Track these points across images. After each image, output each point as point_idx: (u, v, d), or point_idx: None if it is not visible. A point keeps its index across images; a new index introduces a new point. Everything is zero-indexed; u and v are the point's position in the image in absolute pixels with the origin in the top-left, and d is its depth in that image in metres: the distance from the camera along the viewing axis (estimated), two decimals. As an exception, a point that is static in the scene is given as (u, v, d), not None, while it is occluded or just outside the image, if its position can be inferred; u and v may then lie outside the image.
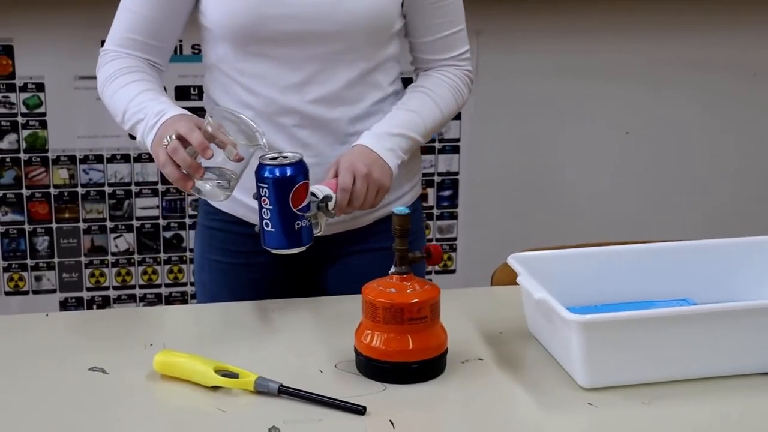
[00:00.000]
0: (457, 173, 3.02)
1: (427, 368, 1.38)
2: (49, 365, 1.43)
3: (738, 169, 3.14)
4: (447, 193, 3.02)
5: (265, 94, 1.65)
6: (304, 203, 1.51)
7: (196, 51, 2.74)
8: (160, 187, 2.85)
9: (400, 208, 1.39)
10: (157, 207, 2.86)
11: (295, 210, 1.50)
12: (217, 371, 1.35)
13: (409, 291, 1.38)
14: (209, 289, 1.80)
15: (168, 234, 2.89)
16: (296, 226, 1.51)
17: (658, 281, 1.55)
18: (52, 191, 2.81)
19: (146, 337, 1.50)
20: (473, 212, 3.04)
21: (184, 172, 1.48)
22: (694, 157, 3.11)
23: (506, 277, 1.79)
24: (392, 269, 1.39)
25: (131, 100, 1.61)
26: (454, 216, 3.05)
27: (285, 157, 1.50)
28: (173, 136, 1.48)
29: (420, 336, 1.37)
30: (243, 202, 1.71)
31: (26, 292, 2.86)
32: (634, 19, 2.97)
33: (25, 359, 1.45)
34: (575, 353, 1.33)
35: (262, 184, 1.50)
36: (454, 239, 3.07)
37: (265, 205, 1.50)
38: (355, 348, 1.41)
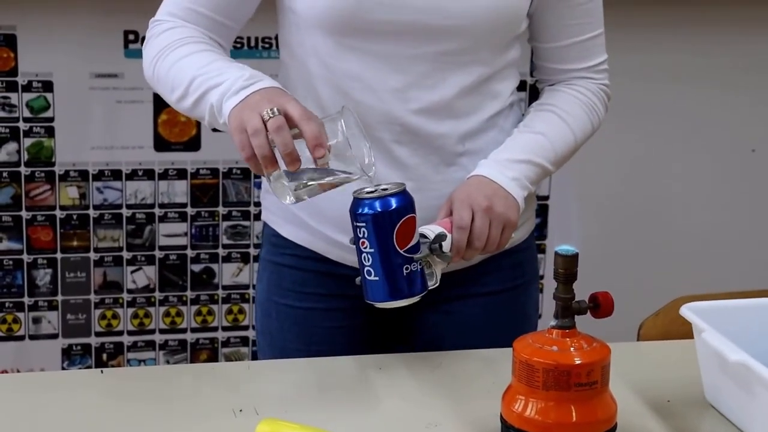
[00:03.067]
0: (546, 197, 3.00)
1: (593, 446, 1.36)
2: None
3: None
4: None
5: (359, 98, 1.62)
6: (413, 243, 1.49)
7: (238, 45, 2.74)
8: (189, 211, 2.83)
9: (565, 248, 1.36)
10: (185, 234, 2.84)
11: (401, 251, 1.48)
12: (338, 446, 1.32)
13: (573, 349, 1.35)
14: (277, 339, 1.78)
15: (197, 267, 2.87)
16: (405, 271, 1.49)
17: None
18: (58, 213, 2.79)
19: (231, 400, 1.48)
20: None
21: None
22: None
23: (656, 330, 1.79)
24: (553, 322, 1.37)
25: (204, 67, 1.55)
26: (541, 249, 3.03)
27: (384, 189, 1.48)
28: (277, 111, 1.44)
29: (587, 406, 1.35)
30: (325, 235, 1.69)
31: (21, 338, 2.84)
32: (758, 13, 2.96)
33: (94, 427, 1.42)
34: (787, 430, 1.30)
35: (359, 224, 1.48)
36: (541, 278, 3.04)
37: (365, 248, 1.48)
38: (501, 417, 1.39)
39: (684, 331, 1.60)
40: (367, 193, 1.48)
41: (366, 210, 1.47)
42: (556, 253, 1.36)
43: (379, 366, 1.61)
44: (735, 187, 3.07)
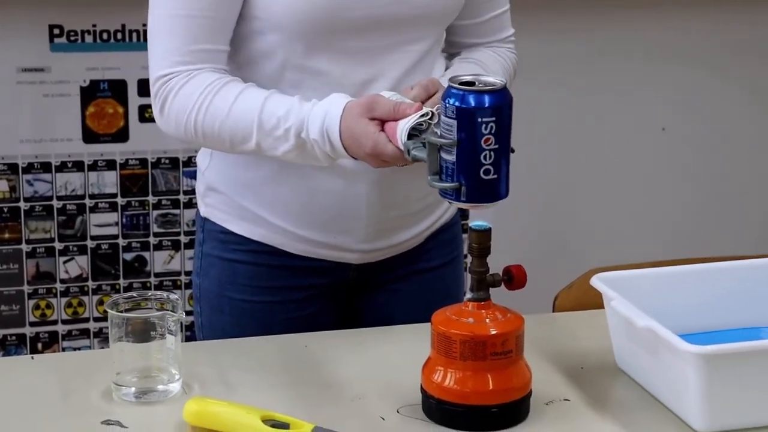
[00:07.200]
0: (468, 179, 3.02)
1: (509, 412, 1.38)
2: (55, 419, 1.41)
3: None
4: (456, 202, 3.02)
5: (320, 93, 1.58)
6: None
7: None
8: (120, 201, 2.82)
9: (478, 223, 1.39)
10: (116, 224, 2.83)
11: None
12: (264, 421, 1.33)
13: (488, 320, 1.38)
14: (230, 334, 1.75)
15: (129, 256, 2.86)
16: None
17: (761, 304, 1.57)
18: (-11, 207, 2.77)
19: (159, 380, 1.49)
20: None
21: None
22: (745, 159, 3.14)
23: (570, 302, 1.81)
24: (468, 295, 1.39)
25: (261, 111, 1.55)
26: (464, 229, 3.05)
27: (485, 85, 1.39)
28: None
29: (502, 374, 1.37)
30: (281, 227, 1.70)
31: (-45, 330, 2.82)
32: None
33: (27, 411, 1.43)
34: (691, 392, 1.33)
35: (486, 119, 1.35)
36: (465, 257, 3.06)
37: (489, 145, 1.36)
38: (422, 388, 1.41)
39: (597, 302, 1.62)
40: (483, 85, 1.38)
41: (497, 102, 1.36)
42: (470, 228, 1.39)
43: (305, 344, 1.61)
44: (646, 165, 3.11)
